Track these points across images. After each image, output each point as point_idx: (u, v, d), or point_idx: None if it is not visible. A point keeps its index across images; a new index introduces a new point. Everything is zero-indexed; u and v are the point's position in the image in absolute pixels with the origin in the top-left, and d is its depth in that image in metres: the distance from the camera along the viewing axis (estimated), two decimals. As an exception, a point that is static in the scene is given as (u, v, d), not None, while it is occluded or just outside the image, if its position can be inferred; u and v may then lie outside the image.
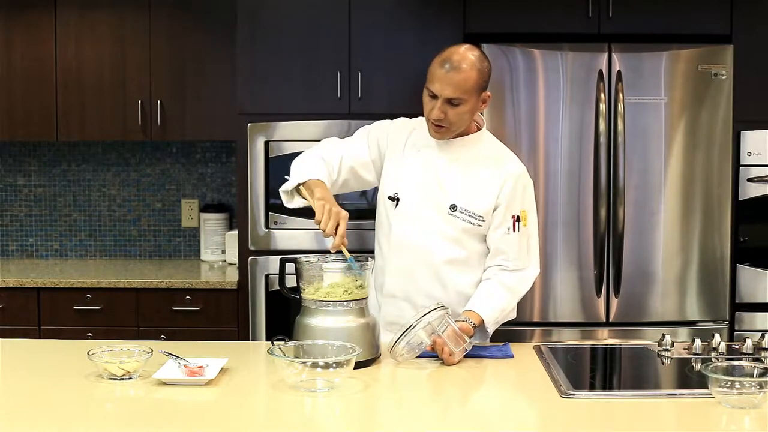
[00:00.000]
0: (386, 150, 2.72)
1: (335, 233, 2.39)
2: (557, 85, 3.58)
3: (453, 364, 2.38)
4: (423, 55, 3.71)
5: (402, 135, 2.73)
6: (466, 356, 2.43)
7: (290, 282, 2.52)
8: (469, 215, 2.60)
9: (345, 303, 2.34)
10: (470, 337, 2.45)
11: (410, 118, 2.78)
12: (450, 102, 2.52)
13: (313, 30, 3.73)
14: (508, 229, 2.61)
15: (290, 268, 2.49)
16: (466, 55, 2.52)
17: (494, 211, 2.62)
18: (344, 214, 2.42)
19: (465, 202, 2.61)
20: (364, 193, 3.66)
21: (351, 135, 2.77)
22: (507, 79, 3.58)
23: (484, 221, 2.61)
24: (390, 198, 2.65)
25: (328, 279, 2.36)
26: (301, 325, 2.36)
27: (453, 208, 2.61)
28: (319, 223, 2.41)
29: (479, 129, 2.68)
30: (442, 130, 2.59)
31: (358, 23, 3.73)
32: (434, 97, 2.53)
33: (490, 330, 2.62)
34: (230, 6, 3.88)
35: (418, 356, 2.41)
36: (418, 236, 2.62)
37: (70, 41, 4.12)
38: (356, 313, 2.36)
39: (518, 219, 2.61)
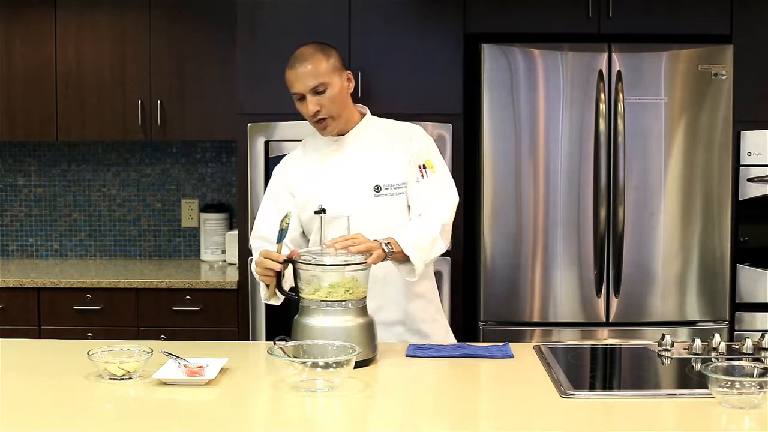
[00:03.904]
0: (293, 188, 2.77)
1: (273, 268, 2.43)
2: (557, 85, 3.58)
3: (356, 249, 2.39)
4: (423, 55, 3.75)
5: (295, 164, 2.80)
6: (467, 356, 2.43)
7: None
8: (394, 188, 2.68)
9: (344, 303, 2.34)
10: (386, 252, 2.46)
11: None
12: (315, 92, 2.63)
13: (313, 30, 3.73)
14: (417, 179, 2.68)
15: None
16: (307, 47, 2.68)
17: None
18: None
19: (385, 179, 2.68)
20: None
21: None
22: (507, 79, 3.58)
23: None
24: (317, 212, 2.63)
25: (327, 279, 2.36)
26: (300, 325, 2.36)
27: (377, 189, 2.68)
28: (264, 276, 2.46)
29: (363, 116, 2.79)
30: (326, 122, 2.67)
31: (358, 23, 3.73)
32: (302, 98, 2.65)
33: (414, 256, 2.52)
34: (230, 6, 3.87)
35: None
36: (356, 230, 2.58)
37: (70, 41, 4.12)
38: (354, 313, 2.35)
39: (424, 167, 2.68)
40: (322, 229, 2.54)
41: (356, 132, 2.75)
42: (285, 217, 2.47)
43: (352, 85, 2.73)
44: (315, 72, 2.62)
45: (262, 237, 2.74)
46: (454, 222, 2.70)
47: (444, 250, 2.65)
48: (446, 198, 2.68)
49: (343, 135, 2.75)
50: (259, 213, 2.81)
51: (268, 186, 2.84)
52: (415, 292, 2.72)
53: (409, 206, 2.71)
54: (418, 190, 2.68)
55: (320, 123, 2.67)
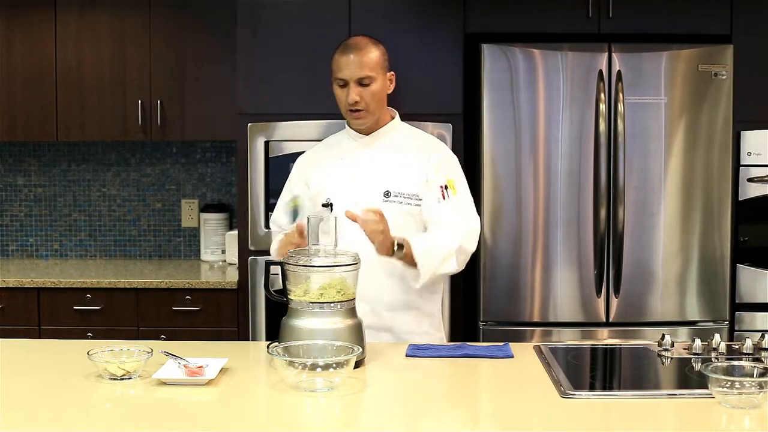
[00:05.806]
0: (308, 179, 2.80)
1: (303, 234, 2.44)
2: (557, 85, 3.58)
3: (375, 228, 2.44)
4: (423, 55, 3.75)
5: (315, 156, 2.84)
6: (467, 356, 2.43)
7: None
8: (404, 197, 2.68)
9: (333, 304, 2.32)
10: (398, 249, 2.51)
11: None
12: (361, 83, 2.66)
13: (313, 30, 3.73)
14: (438, 199, 2.68)
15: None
16: (362, 38, 2.72)
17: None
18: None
19: (397, 186, 2.69)
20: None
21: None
22: (507, 79, 3.58)
23: (420, 200, 2.69)
24: (324, 206, 2.63)
25: (316, 280, 2.34)
26: (288, 327, 2.35)
27: (387, 194, 2.69)
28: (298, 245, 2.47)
29: (392, 119, 2.80)
30: (361, 114, 2.69)
31: (358, 23, 3.73)
32: (344, 85, 2.67)
33: (420, 260, 2.55)
34: (230, 6, 3.87)
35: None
36: (359, 232, 2.56)
37: (70, 41, 4.11)
38: (343, 315, 2.33)
39: (446, 187, 2.69)
40: (308, 228, 2.51)
41: (380, 134, 2.76)
42: (294, 198, 2.51)
43: (392, 87, 2.77)
44: (366, 63, 2.66)
45: (275, 222, 2.86)
46: None
47: (454, 271, 2.66)
48: (468, 224, 2.69)
49: (369, 134, 2.76)
50: (279, 199, 2.90)
51: (290, 174, 2.89)
52: (409, 302, 2.71)
53: (425, 225, 2.70)
54: (438, 211, 2.67)
55: (355, 113, 2.69)
